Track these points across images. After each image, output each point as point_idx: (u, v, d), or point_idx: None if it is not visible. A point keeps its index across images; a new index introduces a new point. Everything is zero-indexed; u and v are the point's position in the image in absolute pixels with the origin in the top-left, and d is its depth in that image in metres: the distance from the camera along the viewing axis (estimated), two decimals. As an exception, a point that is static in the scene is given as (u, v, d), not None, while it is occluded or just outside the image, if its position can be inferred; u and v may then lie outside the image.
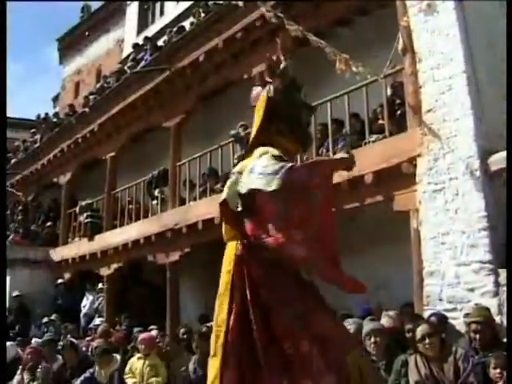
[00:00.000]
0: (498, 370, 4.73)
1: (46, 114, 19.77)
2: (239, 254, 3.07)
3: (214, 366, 3.04)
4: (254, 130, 3.41)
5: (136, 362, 7.38)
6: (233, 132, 9.95)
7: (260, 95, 3.43)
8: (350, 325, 5.74)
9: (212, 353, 3.10)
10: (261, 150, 3.18)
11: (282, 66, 3.48)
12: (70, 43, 24.53)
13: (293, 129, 3.34)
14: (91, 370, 7.73)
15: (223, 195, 3.20)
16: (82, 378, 7.69)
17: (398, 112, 7.64)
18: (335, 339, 3.01)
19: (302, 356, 2.88)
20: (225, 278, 3.14)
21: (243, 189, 3.05)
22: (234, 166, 9.82)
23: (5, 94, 8.82)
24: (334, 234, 3.13)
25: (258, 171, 2.99)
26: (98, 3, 23.72)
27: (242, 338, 2.97)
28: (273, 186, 2.88)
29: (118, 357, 7.85)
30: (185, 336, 8.15)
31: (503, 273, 5.88)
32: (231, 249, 3.15)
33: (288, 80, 3.46)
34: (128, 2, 20.50)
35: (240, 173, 3.16)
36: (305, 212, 2.98)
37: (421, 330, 5.23)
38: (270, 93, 3.36)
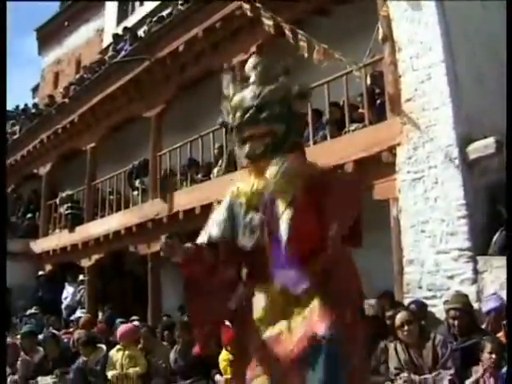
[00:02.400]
0: (493, 355, 4.70)
1: (25, 104, 19.58)
2: None
3: None
4: None
5: (116, 354, 7.37)
6: (220, 120, 9.75)
7: None
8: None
9: None
10: None
11: None
12: (49, 33, 24.15)
13: None
14: (80, 360, 7.73)
15: None
16: (74, 367, 7.69)
17: (378, 101, 7.66)
18: None
19: None
20: None
21: None
22: (215, 156, 9.94)
23: (5, 93, 8.69)
24: None
25: None
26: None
27: None
28: None
29: (104, 346, 7.84)
30: (166, 326, 8.15)
31: (481, 260, 5.95)
32: None
33: None
34: (107, -9, 20.29)
35: None
36: None
37: (400, 317, 5.28)
38: None
